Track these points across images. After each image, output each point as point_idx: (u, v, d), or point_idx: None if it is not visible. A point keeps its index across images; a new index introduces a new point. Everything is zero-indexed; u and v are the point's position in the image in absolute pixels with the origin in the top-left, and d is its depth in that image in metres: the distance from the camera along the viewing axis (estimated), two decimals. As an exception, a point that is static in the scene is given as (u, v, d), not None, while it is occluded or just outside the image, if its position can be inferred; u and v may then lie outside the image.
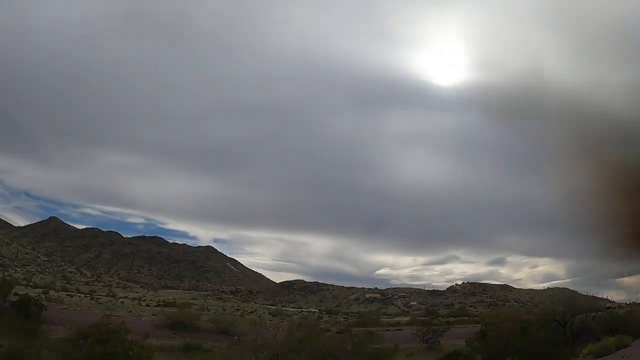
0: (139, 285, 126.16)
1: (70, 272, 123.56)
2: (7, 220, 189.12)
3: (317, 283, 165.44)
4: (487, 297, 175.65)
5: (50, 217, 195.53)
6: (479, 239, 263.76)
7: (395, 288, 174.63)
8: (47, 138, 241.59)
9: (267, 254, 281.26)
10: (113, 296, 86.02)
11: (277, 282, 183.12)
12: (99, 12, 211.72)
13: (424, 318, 64.13)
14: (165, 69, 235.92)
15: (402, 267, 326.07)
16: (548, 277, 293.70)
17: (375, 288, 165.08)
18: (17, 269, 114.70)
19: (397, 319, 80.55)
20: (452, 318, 72.69)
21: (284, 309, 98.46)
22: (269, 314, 77.36)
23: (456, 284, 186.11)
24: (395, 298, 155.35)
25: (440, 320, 63.60)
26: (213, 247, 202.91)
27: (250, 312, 76.65)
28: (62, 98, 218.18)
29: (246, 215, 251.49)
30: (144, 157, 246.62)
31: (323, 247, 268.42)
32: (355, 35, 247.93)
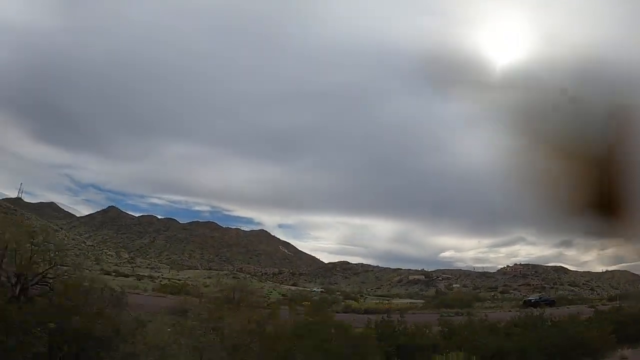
0: (168, 267, 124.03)
1: (109, 254, 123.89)
2: (69, 211, 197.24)
3: (361, 264, 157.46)
4: (539, 279, 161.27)
5: (109, 206, 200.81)
6: (545, 220, 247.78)
7: (444, 270, 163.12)
8: (113, 133, 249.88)
9: (332, 238, 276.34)
10: (127, 276, 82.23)
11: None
12: (161, 7, 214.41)
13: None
14: (226, 60, 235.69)
15: (466, 249, 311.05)
16: (618, 260, 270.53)
17: (422, 270, 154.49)
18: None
19: (403, 301, 70.03)
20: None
21: (305, 289, 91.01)
22: (279, 294, 69.87)
23: (507, 266, 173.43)
24: (439, 280, 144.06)
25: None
26: (266, 231, 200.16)
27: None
28: (127, 93, 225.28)
29: (310, 200, 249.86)
30: (209, 146, 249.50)
31: (387, 231, 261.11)
32: (411, 15, 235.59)
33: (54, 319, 10.56)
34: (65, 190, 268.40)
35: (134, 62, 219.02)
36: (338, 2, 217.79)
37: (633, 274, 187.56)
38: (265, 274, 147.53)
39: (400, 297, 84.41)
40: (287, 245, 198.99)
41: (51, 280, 13.71)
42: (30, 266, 13.12)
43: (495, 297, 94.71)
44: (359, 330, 14.72)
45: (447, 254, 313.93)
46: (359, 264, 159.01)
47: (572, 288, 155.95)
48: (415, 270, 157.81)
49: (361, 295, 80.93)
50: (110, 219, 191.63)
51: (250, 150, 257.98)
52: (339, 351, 12.13)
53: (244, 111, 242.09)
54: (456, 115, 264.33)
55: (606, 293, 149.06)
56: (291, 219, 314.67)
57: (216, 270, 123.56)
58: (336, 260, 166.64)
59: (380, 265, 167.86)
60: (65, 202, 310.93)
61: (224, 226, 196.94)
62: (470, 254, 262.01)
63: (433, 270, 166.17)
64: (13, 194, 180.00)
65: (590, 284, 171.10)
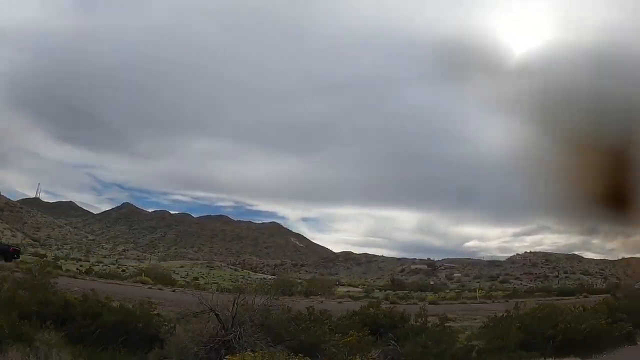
0: (157, 259, 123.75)
1: (105, 247, 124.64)
2: (88, 209, 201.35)
3: (365, 254, 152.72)
4: (549, 268, 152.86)
5: (123, 203, 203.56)
6: (570, 207, 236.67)
7: (453, 259, 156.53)
8: (135, 132, 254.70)
9: (355, 230, 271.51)
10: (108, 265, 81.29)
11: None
12: (178, 6, 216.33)
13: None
14: (246, 54, 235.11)
15: (491, 238, 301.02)
16: None
17: (428, 259, 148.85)
18: (55, 247, 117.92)
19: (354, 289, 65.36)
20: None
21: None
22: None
23: (517, 254, 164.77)
24: (442, 269, 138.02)
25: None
26: (278, 224, 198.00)
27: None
28: (148, 92, 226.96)
29: (332, 192, 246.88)
30: (231, 141, 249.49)
31: (410, 221, 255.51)
32: (428, 3, 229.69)
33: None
34: (89, 190, 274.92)
35: (155, 61, 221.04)
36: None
37: None
38: (268, 265, 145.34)
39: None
40: (299, 237, 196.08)
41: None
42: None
43: (481, 287, 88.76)
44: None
45: (471, 243, 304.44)
46: (362, 254, 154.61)
47: (585, 277, 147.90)
48: (421, 260, 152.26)
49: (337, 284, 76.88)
50: (125, 216, 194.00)
51: (272, 144, 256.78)
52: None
53: (266, 105, 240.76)
54: (477, 103, 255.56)
55: (618, 282, 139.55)
56: (314, 211, 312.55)
57: (208, 261, 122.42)
58: (357, 252, 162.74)
59: (404, 256, 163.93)
60: (89, 201, 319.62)
61: (236, 219, 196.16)
62: (495, 243, 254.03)
63: (441, 259, 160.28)
64: (35, 195, 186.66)
65: (604, 272, 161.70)
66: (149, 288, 30.23)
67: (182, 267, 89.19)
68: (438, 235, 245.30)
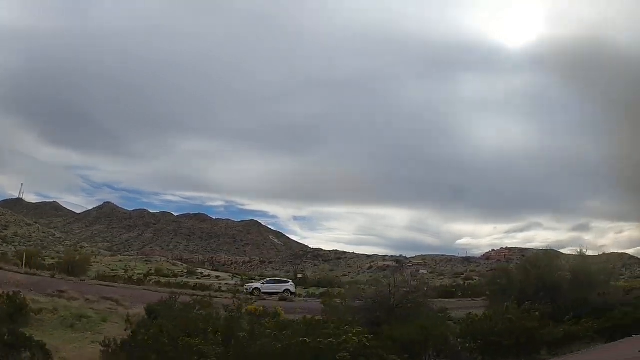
0: (109, 254, 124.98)
1: (68, 245, 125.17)
2: (72, 209, 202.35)
3: (335, 251, 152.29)
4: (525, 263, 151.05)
5: (104, 202, 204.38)
6: (561, 204, 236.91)
7: (425, 255, 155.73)
8: (126, 132, 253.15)
9: (347, 229, 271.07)
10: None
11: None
12: (169, 3, 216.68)
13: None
14: (238, 53, 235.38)
15: (483, 235, 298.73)
16: (635, 243, 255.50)
17: (400, 256, 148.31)
18: (18, 244, 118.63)
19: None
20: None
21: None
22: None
23: (493, 250, 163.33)
24: (409, 265, 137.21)
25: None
26: (256, 221, 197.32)
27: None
28: (137, 92, 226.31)
29: (324, 191, 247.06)
30: (222, 140, 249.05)
31: (403, 219, 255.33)
32: (423, 0, 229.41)
33: None
34: (79, 191, 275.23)
35: (145, 60, 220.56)
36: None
37: (631, 256, 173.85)
38: (236, 262, 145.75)
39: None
40: (279, 235, 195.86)
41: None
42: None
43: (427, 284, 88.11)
44: None
45: (463, 241, 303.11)
46: (332, 250, 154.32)
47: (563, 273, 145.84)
48: (391, 256, 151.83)
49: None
50: (105, 215, 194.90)
51: (264, 143, 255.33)
52: None
53: (257, 104, 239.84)
54: (469, 100, 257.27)
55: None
56: (306, 210, 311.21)
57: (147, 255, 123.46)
58: (348, 250, 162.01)
59: (400, 254, 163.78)
60: (79, 202, 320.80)
61: (215, 218, 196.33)
62: (487, 240, 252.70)
63: (413, 256, 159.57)
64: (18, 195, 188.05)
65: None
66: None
67: (120, 261, 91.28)
68: (430, 233, 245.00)
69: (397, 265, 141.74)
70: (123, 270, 74.57)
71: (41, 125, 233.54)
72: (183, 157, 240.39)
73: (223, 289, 45.71)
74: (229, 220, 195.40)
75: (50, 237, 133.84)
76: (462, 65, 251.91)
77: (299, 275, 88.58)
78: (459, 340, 12.33)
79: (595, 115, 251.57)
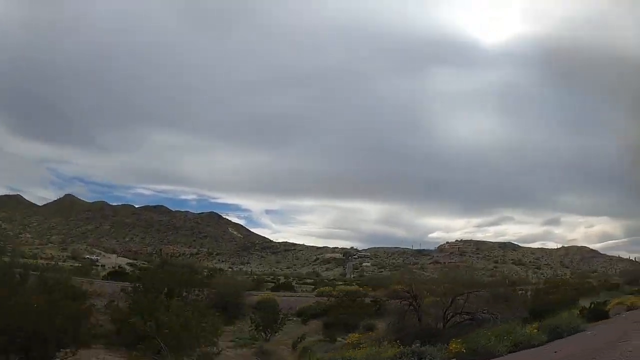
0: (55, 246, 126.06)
1: (9, 234, 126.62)
2: (35, 202, 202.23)
3: (285, 243, 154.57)
4: (480, 257, 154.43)
5: (65, 194, 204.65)
6: (533, 199, 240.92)
7: (379, 248, 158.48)
8: (97, 125, 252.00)
9: (319, 222, 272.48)
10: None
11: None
12: None
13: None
14: (212, 46, 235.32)
15: (455, 229, 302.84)
16: (604, 237, 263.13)
17: (352, 248, 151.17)
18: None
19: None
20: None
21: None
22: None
23: (447, 242, 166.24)
24: (355, 258, 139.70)
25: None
26: (216, 213, 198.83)
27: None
28: (110, 84, 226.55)
29: (297, 185, 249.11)
30: (196, 134, 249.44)
31: (375, 213, 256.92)
32: None
33: None
34: (49, 185, 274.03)
35: (116, 51, 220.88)
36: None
37: (591, 249, 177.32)
38: (183, 254, 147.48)
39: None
40: (238, 227, 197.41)
41: None
42: None
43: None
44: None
45: (435, 234, 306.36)
46: (282, 242, 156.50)
47: (516, 267, 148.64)
48: (342, 248, 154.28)
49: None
50: (64, 207, 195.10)
51: (237, 137, 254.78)
52: None
53: (231, 98, 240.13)
54: (444, 95, 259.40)
55: (552, 272, 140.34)
56: (278, 204, 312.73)
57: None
58: (319, 245, 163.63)
59: (372, 246, 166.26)
60: (49, 196, 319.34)
61: (174, 210, 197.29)
62: (459, 234, 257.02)
63: (367, 248, 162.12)
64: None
65: (539, 261, 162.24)
66: None
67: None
68: (403, 227, 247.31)
69: (344, 257, 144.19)
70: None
71: (11, 117, 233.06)
72: (157, 150, 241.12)
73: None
74: (188, 212, 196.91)
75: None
76: (438, 60, 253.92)
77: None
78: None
79: (570, 111, 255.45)
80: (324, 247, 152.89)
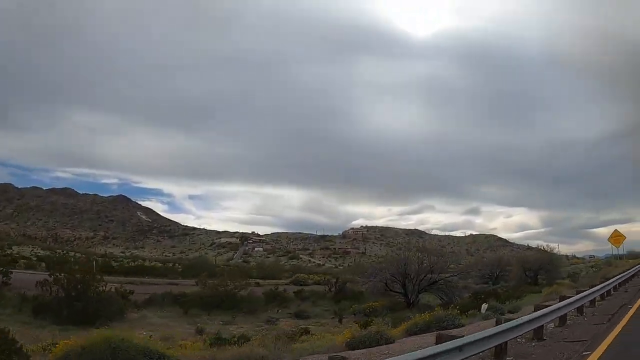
0: None
1: None
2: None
3: (185, 227, 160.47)
4: (382, 244, 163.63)
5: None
6: (455, 188, 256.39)
7: (278, 233, 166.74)
8: (12, 103, 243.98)
9: (242, 208, 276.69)
10: None
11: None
12: None
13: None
14: (134, 25, 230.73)
15: (377, 217, 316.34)
16: (522, 227, 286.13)
17: (253, 232, 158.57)
18: None
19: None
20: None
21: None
22: None
23: (351, 228, 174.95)
24: (250, 243, 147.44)
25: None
26: (125, 197, 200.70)
27: None
28: (24, 60, 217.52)
29: (221, 170, 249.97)
30: (118, 115, 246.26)
31: (299, 199, 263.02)
32: None
33: None
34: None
35: (32, 27, 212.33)
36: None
37: (499, 238, 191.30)
38: (79, 238, 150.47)
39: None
40: (148, 211, 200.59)
41: None
42: None
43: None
44: None
45: (357, 222, 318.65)
46: (182, 226, 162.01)
47: (419, 254, 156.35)
48: (243, 233, 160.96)
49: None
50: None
51: (161, 119, 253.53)
52: None
53: (155, 78, 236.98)
54: (370, 84, 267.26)
55: (456, 260, 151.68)
56: (201, 189, 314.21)
57: None
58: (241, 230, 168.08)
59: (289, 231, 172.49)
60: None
61: (81, 193, 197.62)
62: (381, 222, 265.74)
63: (270, 233, 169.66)
64: None
65: (443, 250, 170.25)
66: None
67: None
68: (326, 214, 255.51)
69: (240, 242, 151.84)
70: None
71: None
72: (76, 131, 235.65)
73: None
74: (96, 195, 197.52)
75: None
76: (365, 49, 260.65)
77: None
78: None
79: (495, 106, 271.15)
80: (224, 231, 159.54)
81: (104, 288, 27.97)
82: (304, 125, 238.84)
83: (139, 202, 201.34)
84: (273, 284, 50.57)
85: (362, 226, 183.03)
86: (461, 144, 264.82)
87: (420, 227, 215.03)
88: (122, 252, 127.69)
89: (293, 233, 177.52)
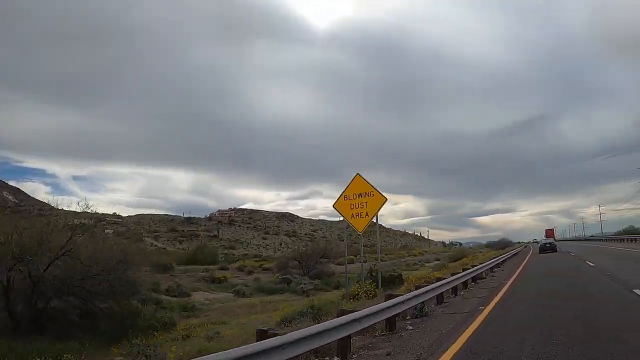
0: None
1: None
2: None
3: (40, 209, 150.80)
4: (249, 226, 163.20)
5: None
6: (341, 175, 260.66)
7: (142, 215, 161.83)
8: None
9: (129, 190, 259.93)
10: None
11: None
12: None
13: None
14: None
15: (266, 201, 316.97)
16: (409, 214, 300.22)
17: (114, 214, 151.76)
18: None
19: None
20: None
21: None
22: None
23: (219, 210, 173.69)
24: (103, 224, 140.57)
25: None
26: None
27: None
28: None
29: (106, 150, 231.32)
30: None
31: (186, 182, 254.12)
32: None
33: None
34: None
35: None
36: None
37: (373, 223, 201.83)
38: None
39: None
40: (15, 190, 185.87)
41: None
42: None
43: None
44: None
45: (246, 206, 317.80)
46: (40, 206, 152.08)
47: (288, 238, 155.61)
48: (103, 213, 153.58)
49: None
50: None
51: (44, 94, 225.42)
52: None
53: (38, 49, 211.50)
54: (264, 68, 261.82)
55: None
56: (86, 170, 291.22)
57: None
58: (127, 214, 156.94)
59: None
60: None
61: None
62: (270, 206, 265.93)
63: (134, 214, 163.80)
64: None
65: (315, 234, 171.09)
66: None
67: None
68: (214, 197, 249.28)
69: (93, 223, 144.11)
70: None
71: None
72: None
73: None
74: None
75: None
76: (261, 32, 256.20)
77: None
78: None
79: (389, 96, 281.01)
80: (83, 212, 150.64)
81: None
82: (193, 106, 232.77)
83: (6, 182, 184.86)
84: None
85: (230, 208, 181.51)
86: (352, 131, 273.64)
87: (310, 213, 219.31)
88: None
89: (157, 215, 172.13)
